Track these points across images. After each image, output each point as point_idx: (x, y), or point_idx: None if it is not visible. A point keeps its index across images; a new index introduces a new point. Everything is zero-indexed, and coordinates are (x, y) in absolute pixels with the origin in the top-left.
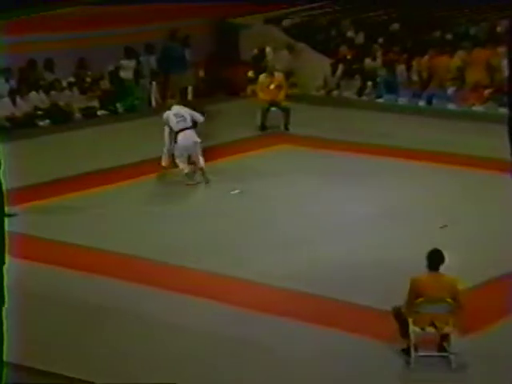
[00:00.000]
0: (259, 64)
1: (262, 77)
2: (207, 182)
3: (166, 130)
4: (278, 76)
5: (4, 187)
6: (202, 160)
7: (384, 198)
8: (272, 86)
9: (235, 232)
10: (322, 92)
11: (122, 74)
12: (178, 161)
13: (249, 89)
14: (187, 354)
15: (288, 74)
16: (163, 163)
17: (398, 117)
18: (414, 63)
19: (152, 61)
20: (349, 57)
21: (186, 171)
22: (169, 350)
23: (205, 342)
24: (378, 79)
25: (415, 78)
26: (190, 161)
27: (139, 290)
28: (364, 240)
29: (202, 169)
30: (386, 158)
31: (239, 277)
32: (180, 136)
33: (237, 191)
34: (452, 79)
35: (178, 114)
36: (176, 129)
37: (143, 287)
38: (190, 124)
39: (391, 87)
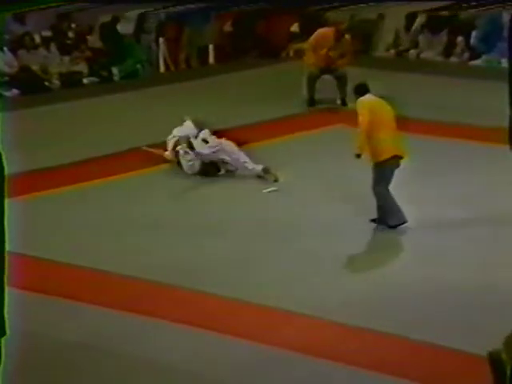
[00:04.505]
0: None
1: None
2: None
3: None
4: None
5: None
6: None
7: (486, 199)
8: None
9: (266, 245)
10: (392, 52)
11: (120, 27)
12: None
13: (291, 48)
14: None
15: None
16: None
17: (503, 85)
18: None
19: (161, 12)
20: None
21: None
22: None
23: None
24: (474, 33)
25: None
26: None
27: (137, 323)
28: (454, 258)
29: None
30: (486, 143)
31: (272, 306)
32: None
33: (272, 189)
34: None
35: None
36: None
37: (141, 318)
38: None
39: (493, 44)
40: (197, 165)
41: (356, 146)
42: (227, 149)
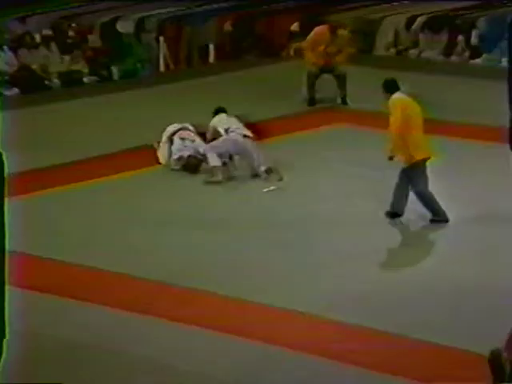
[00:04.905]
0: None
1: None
2: None
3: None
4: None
5: None
6: None
7: (486, 198)
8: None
9: (267, 244)
10: (392, 51)
11: (121, 26)
12: None
13: (292, 47)
14: None
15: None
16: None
17: (503, 85)
18: None
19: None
20: None
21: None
22: None
23: None
24: (475, 31)
25: None
26: None
27: (137, 323)
28: (454, 257)
29: None
30: (486, 142)
31: (272, 306)
32: None
33: (271, 188)
34: None
35: None
36: None
37: (141, 318)
38: None
39: (493, 43)
40: (184, 158)
41: (388, 149)
42: (243, 147)
